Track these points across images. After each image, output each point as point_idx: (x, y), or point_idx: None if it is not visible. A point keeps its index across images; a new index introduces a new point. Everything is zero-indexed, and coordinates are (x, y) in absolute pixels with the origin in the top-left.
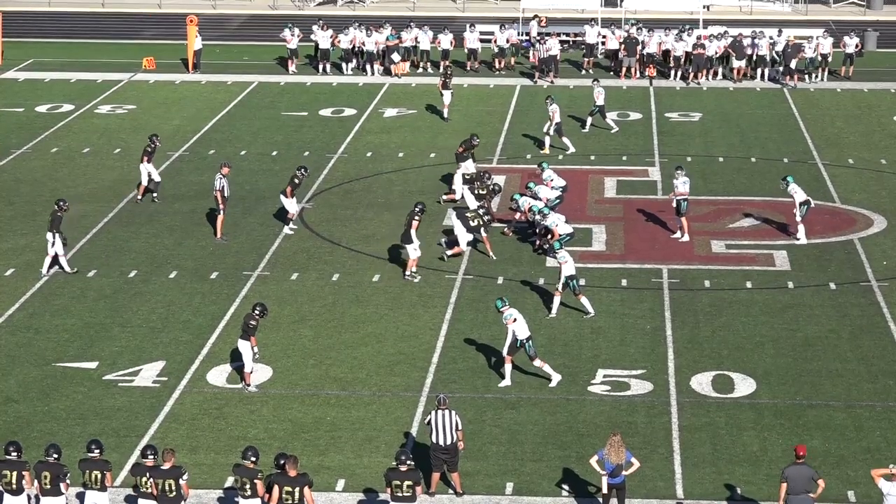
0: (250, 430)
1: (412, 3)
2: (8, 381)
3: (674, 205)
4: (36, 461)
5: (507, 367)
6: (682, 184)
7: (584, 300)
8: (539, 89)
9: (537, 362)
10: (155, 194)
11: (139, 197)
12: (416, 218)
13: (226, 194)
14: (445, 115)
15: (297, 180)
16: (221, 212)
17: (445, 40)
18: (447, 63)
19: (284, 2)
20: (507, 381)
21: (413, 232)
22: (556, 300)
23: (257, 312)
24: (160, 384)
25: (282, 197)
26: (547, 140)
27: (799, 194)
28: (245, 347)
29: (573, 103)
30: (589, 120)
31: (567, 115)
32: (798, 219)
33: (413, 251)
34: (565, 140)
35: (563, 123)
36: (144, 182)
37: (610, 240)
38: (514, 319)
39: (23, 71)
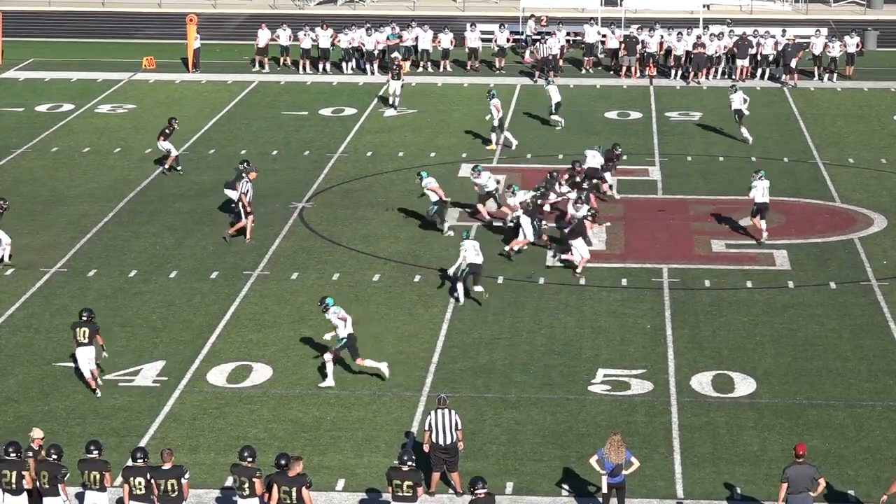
0: (250, 429)
1: (412, 3)
2: (8, 381)
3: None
4: (36, 461)
5: (330, 367)
6: (757, 188)
7: (479, 288)
8: (539, 89)
9: (360, 362)
10: (168, 167)
11: (167, 167)
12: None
13: (249, 199)
14: (396, 104)
15: (242, 174)
16: (248, 216)
17: (446, 40)
18: (396, 56)
19: (284, 1)
20: (329, 382)
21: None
22: (461, 287)
23: (84, 318)
24: (160, 384)
25: (226, 190)
26: (493, 136)
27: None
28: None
29: (574, 102)
30: (556, 118)
31: (570, 112)
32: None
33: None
34: (507, 135)
35: (505, 118)
36: (174, 152)
37: (610, 239)
38: (343, 318)
39: (23, 70)
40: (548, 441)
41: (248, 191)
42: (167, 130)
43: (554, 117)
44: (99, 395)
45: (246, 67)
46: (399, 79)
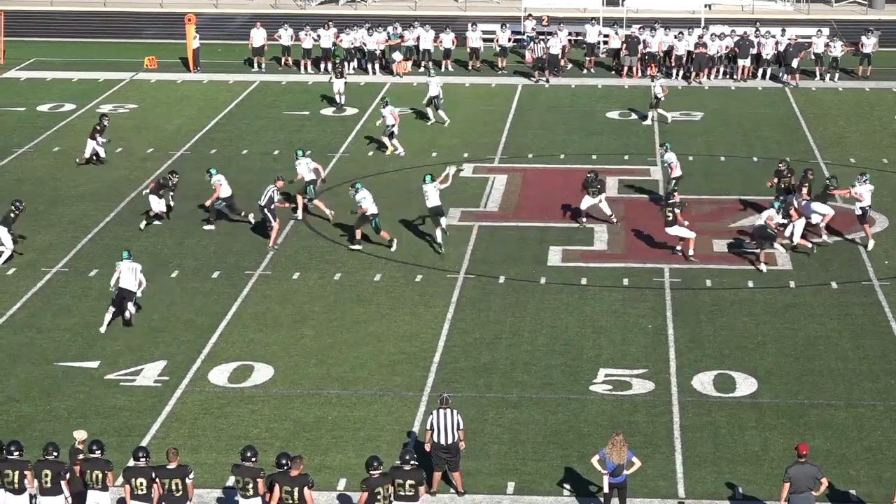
0: (252, 429)
1: (414, 2)
2: (9, 381)
3: (857, 213)
4: (35, 460)
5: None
6: (866, 191)
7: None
8: (542, 89)
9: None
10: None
11: (79, 161)
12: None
13: (264, 203)
14: (342, 103)
15: (162, 181)
16: (274, 222)
17: (447, 39)
18: (337, 58)
19: (286, 1)
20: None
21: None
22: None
23: None
24: (162, 383)
25: (151, 197)
26: (395, 143)
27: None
28: None
29: (575, 102)
30: (430, 112)
31: (572, 112)
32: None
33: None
34: (394, 142)
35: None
36: (87, 155)
37: (612, 239)
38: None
39: (24, 70)
40: (549, 441)
41: (277, 199)
42: (98, 127)
43: (440, 113)
44: None
45: (247, 67)
46: (342, 77)
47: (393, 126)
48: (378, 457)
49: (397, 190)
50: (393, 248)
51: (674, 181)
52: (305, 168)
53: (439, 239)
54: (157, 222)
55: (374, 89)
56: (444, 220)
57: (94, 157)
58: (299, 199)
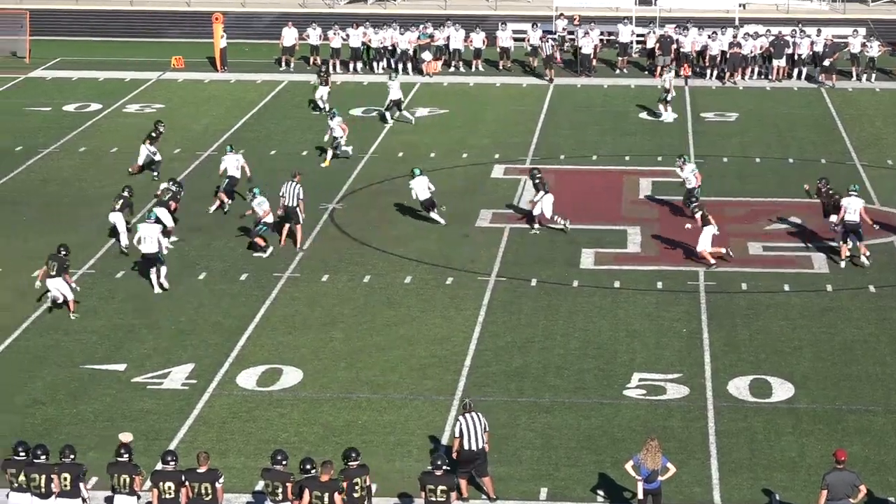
0: (280, 433)
1: (444, 1)
2: (35, 383)
3: None
4: (52, 463)
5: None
6: None
7: (436, 216)
8: (573, 89)
9: None
10: (155, 173)
11: (132, 170)
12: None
13: (295, 203)
14: (325, 109)
15: (170, 193)
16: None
17: (477, 39)
18: (322, 62)
19: (314, 0)
20: None
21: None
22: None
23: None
24: (189, 387)
25: (157, 208)
26: (337, 152)
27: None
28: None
29: (608, 102)
30: (387, 114)
31: (604, 113)
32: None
33: None
34: (330, 152)
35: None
36: (140, 162)
37: (645, 241)
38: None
39: (50, 70)
40: (582, 446)
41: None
42: (153, 134)
43: (405, 113)
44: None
45: (275, 67)
46: (326, 84)
47: (340, 138)
48: (356, 448)
49: None
50: (265, 255)
51: (698, 189)
52: (232, 164)
53: (438, 217)
54: (172, 238)
55: (405, 89)
56: (435, 212)
57: (150, 164)
58: (223, 196)
